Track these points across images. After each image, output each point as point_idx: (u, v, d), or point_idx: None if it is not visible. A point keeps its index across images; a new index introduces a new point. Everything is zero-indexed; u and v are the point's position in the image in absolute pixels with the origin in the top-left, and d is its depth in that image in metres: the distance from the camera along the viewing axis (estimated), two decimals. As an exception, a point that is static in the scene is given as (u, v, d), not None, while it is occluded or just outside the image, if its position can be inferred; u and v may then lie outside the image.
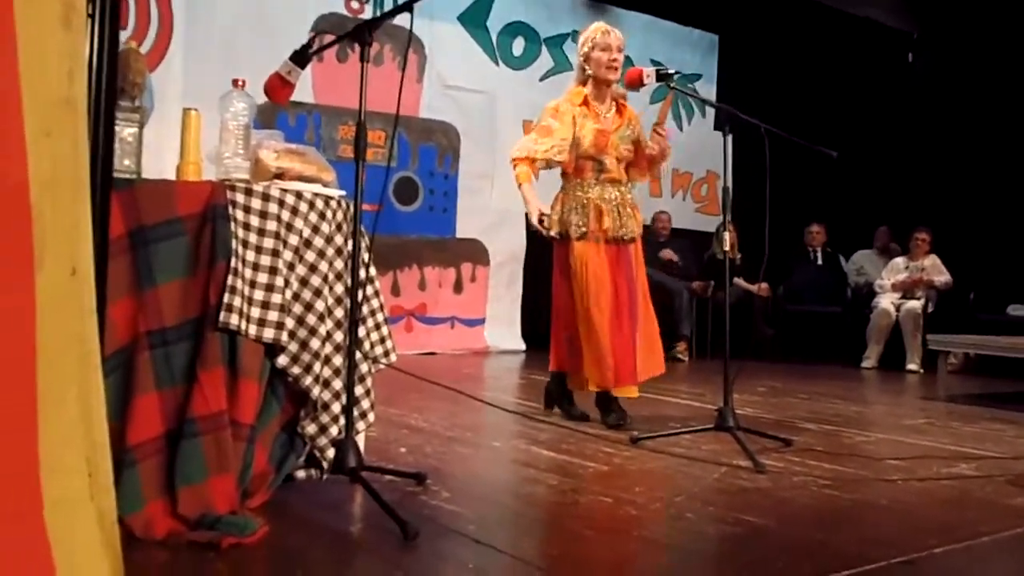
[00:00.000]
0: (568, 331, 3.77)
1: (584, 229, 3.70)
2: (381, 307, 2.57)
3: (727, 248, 3.42)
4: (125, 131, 2.15)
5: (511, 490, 2.62)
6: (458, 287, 7.22)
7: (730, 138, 3.48)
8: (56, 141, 1.19)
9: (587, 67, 3.78)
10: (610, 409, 3.74)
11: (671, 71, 3.48)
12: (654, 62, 7.41)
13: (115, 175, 1.91)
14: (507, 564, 1.93)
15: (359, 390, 2.39)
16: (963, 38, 8.02)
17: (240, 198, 2.12)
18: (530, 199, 3.74)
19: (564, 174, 3.83)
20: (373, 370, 2.51)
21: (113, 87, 1.52)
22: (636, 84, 3.52)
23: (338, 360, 2.31)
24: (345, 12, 6.57)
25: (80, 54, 1.29)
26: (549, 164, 3.76)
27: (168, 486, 1.97)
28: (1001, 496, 2.69)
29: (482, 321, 7.32)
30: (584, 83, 3.82)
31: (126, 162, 2.15)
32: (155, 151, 2.54)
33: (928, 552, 2.07)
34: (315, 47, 2.48)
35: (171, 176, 2.31)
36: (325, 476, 2.35)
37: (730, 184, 3.51)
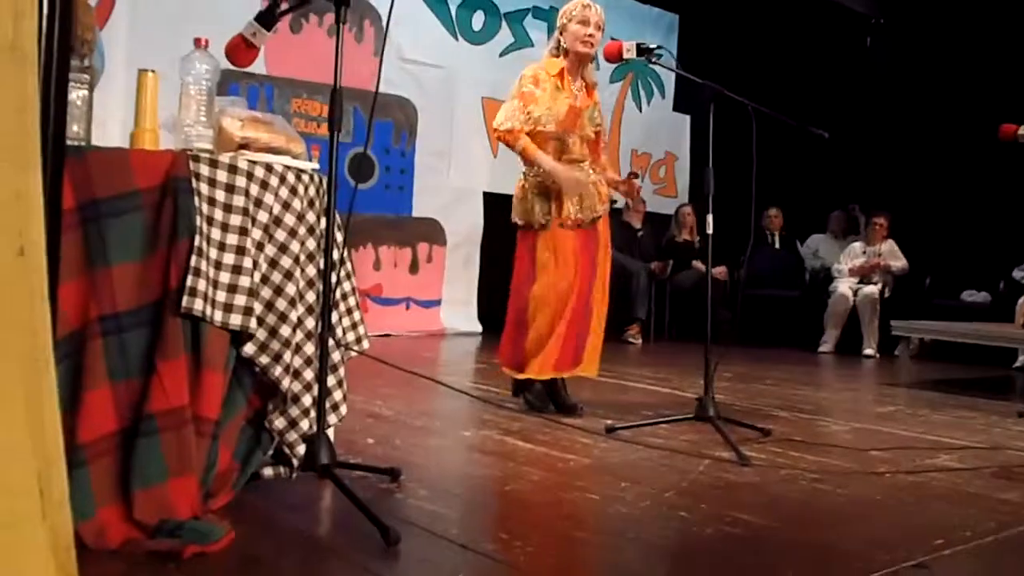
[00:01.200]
0: (525, 316, 3.60)
1: (549, 217, 3.55)
2: (353, 290, 2.38)
3: (710, 231, 3.27)
4: (73, 93, 1.93)
5: (492, 487, 2.47)
6: (414, 267, 7.02)
7: (712, 117, 3.29)
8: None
9: (562, 39, 3.60)
10: (536, 390, 3.62)
11: (652, 45, 3.33)
12: (613, 40, 7.26)
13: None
14: (500, 574, 1.78)
15: (331, 380, 2.20)
16: (921, 23, 8.02)
17: (204, 170, 1.91)
18: (556, 167, 3.51)
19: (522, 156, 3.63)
20: (345, 358, 2.33)
21: (68, 37, 1.31)
22: (616, 58, 3.37)
23: (309, 348, 2.12)
24: (300, -21, 6.28)
25: (29, -7, 1.09)
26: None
27: (123, 489, 1.78)
28: (992, 490, 2.61)
29: (438, 302, 7.14)
30: (557, 56, 3.64)
31: (74, 128, 1.93)
32: (98, 121, 2.32)
33: (936, 554, 1.97)
34: (284, 6, 2.28)
35: (119, 145, 2.09)
36: (295, 474, 2.17)
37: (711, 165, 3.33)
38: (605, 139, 3.86)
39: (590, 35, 3.57)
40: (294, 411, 2.12)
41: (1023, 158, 4.79)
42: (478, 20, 7.37)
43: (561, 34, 3.61)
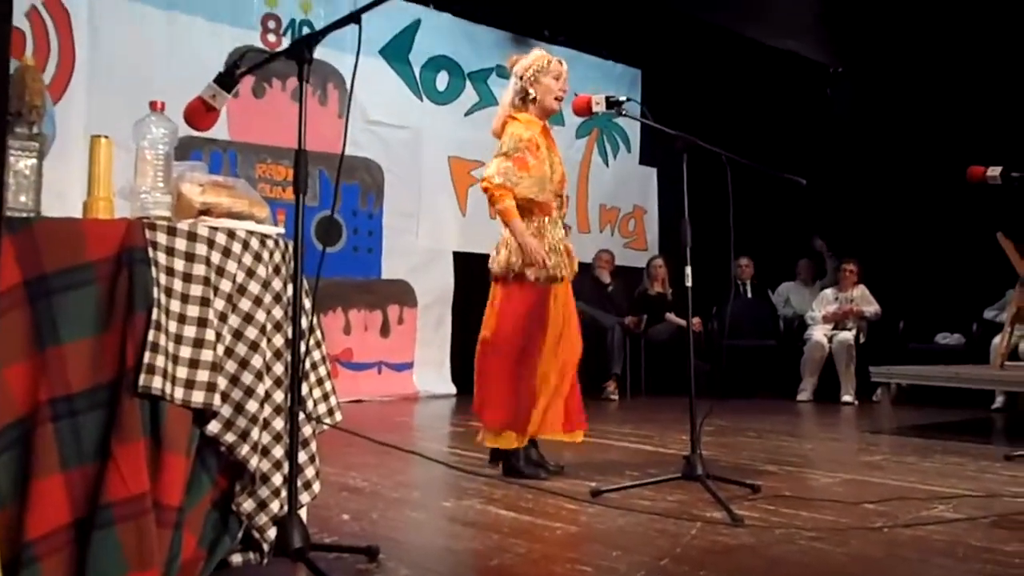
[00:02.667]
0: (523, 378, 3.45)
1: (565, 272, 3.48)
2: (323, 359, 2.26)
3: (689, 283, 3.19)
4: (21, 162, 1.82)
5: (477, 563, 2.32)
6: (385, 330, 6.89)
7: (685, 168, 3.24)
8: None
9: (532, 91, 3.50)
10: (521, 455, 3.47)
11: (622, 98, 3.28)
12: (576, 95, 7.29)
13: (8, 214, 1.59)
14: (491, 661, 1.65)
15: (302, 457, 2.07)
16: (880, 70, 8.14)
17: (162, 238, 1.80)
18: (528, 239, 3.39)
19: (523, 212, 3.46)
20: (317, 432, 2.20)
21: (4, 101, 1.21)
22: (585, 112, 3.32)
23: (278, 424, 1.99)
24: (261, 45, 6.25)
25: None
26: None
27: (78, 587, 1.63)
28: (995, 542, 2.52)
29: (410, 365, 7.00)
30: (524, 108, 3.55)
31: (22, 199, 1.82)
32: (56, 191, 2.21)
33: (950, 616, 1.87)
34: (243, 68, 2.19)
35: (77, 215, 1.98)
36: (266, 559, 2.02)
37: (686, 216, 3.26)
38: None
39: (563, 89, 3.53)
40: (264, 492, 1.98)
41: (991, 199, 4.82)
42: (442, 80, 7.36)
43: (531, 85, 3.51)
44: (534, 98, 3.51)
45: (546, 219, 3.50)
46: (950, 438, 4.85)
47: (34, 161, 1.86)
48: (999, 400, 6.45)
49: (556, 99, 3.52)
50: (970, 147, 5.79)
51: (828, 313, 7.34)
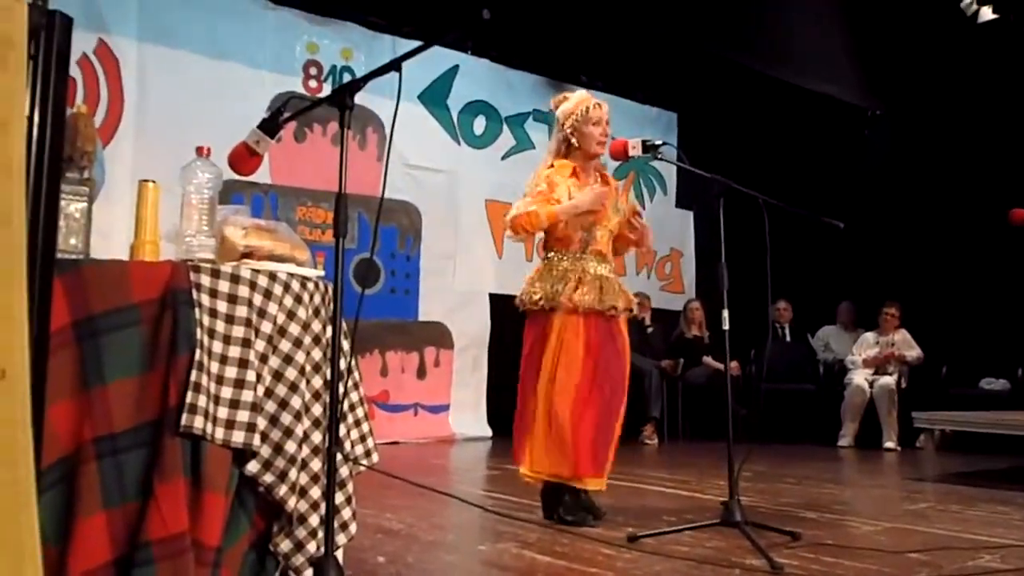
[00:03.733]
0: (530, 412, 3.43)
1: (566, 301, 3.38)
2: (361, 400, 2.28)
3: (726, 327, 3.18)
4: (72, 206, 1.88)
5: (511, 607, 2.31)
6: (421, 372, 6.91)
7: (722, 212, 3.24)
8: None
9: (573, 139, 3.53)
10: (566, 502, 3.38)
11: (658, 142, 3.30)
12: (613, 139, 7.34)
13: (59, 256, 1.64)
14: None
15: (339, 498, 2.08)
16: (919, 112, 8.10)
17: (205, 281, 1.84)
18: (577, 198, 3.40)
19: (547, 245, 3.57)
20: (354, 473, 2.21)
21: (59, 147, 1.25)
22: (622, 156, 3.34)
23: (316, 464, 2.00)
24: (303, 90, 6.38)
25: (17, 101, 1.03)
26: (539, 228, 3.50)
27: (117, 626, 1.65)
28: (1044, 594, 2.45)
29: (447, 407, 7.00)
30: (564, 155, 3.59)
31: (72, 241, 1.87)
32: (104, 233, 2.27)
33: (999, 671, 1.82)
34: (286, 114, 2.25)
35: (121, 256, 2.03)
36: (302, 601, 2.02)
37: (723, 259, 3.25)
38: (640, 211, 3.75)
39: (604, 134, 3.54)
40: (300, 532, 1.99)
41: (1035, 243, 4.76)
42: (479, 125, 7.45)
43: (573, 134, 3.54)
44: (575, 147, 3.55)
45: (564, 251, 3.49)
46: (996, 486, 4.74)
47: (84, 205, 1.92)
48: (1047, 447, 6.29)
49: (599, 143, 3.53)
50: (1012, 189, 5.72)
51: (869, 357, 7.25)
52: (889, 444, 6.80)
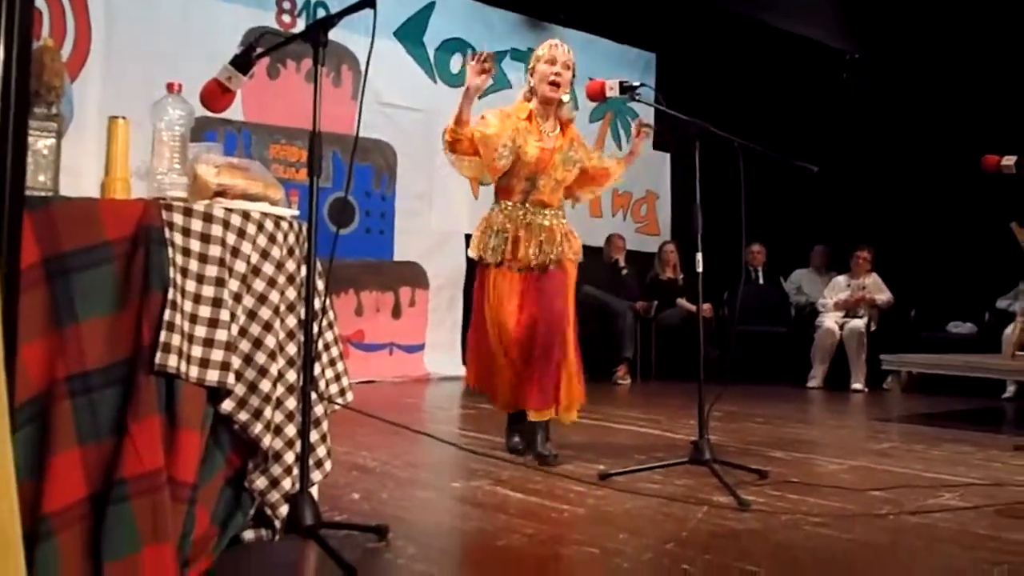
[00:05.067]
0: (480, 350, 3.59)
1: (499, 257, 3.48)
2: (336, 340, 2.29)
3: (699, 269, 3.21)
4: (40, 142, 1.85)
5: (485, 543, 2.35)
6: (396, 312, 6.92)
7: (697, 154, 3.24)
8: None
9: (531, 80, 3.56)
10: (534, 439, 3.47)
11: (635, 83, 3.28)
12: (591, 80, 7.28)
13: (27, 193, 1.62)
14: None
15: (314, 436, 2.10)
16: (897, 57, 8.08)
17: (178, 219, 1.83)
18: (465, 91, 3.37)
19: (495, 196, 3.61)
20: (329, 412, 2.23)
21: (26, 84, 1.23)
22: (599, 96, 3.33)
23: (291, 403, 2.02)
24: (276, 25, 6.26)
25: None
26: (477, 173, 3.51)
27: (93, 561, 1.66)
28: (1000, 530, 2.53)
29: (422, 347, 7.03)
30: (529, 99, 3.59)
31: (40, 178, 1.85)
32: (72, 171, 2.23)
33: (953, 603, 1.89)
34: (259, 50, 2.21)
35: (93, 195, 2.00)
36: (278, 536, 2.06)
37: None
38: (598, 157, 3.79)
39: (557, 73, 3.48)
40: (276, 470, 2.02)
41: (1005, 188, 4.80)
42: (456, 63, 7.35)
43: (531, 75, 3.57)
44: (533, 87, 3.56)
45: (505, 202, 3.53)
46: (959, 427, 4.85)
47: (52, 141, 1.89)
48: (1010, 390, 6.44)
49: (550, 84, 3.48)
50: (986, 135, 5.76)
51: (840, 300, 7.33)
52: (857, 385, 6.92)
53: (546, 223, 3.52)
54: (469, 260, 6.96)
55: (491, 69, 3.35)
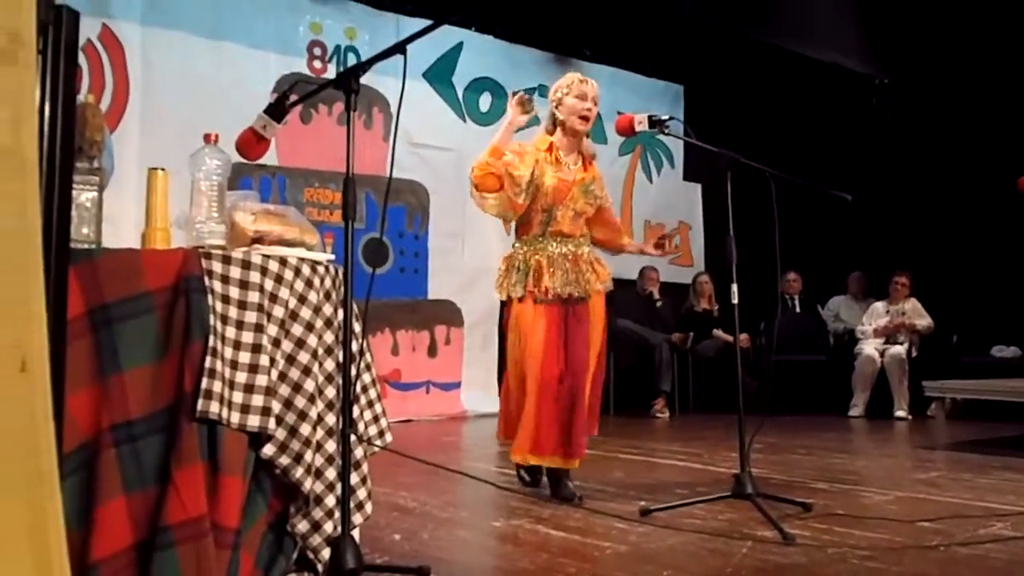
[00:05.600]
0: (509, 397, 3.54)
1: (522, 292, 3.44)
2: (374, 382, 2.30)
3: (735, 300, 3.19)
4: (83, 196, 1.89)
5: (527, 582, 2.34)
6: (432, 350, 6.94)
7: (729, 185, 3.24)
8: (-1, 204, 0.95)
9: (558, 113, 3.55)
10: (559, 482, 3.43)
11: (664, 117, 3.29)
12: (619, 114, 7.31)
13: (72, 245, 1.65)
14: None
15: (354, 478, 2.11)
16: (926, 81, 8.04)
17: (217, 267, 1.86)
18: (503, 125, 3.45)
19: (517, 231, 3.58)
20: (368, 454, 2.23)
21: (70, 140, 1.27)
22: (628, 131, 3.34)
23: (331, 446, 2.03)
24: (307, 71, 6.37)
25: (28, 97, 1.04)
26: (501, 211, 3.47)
27: (141, 608, 1.68)
28: (1055, 560, 2.47)
29: (458, 385, 7.03)
30: (552, 132, 3.60)
31: (84, 230, 1.89)
32: (114, 220, 2.28)
33: (1010, 637, 1.84)
34: (293, 98, 2.25)
35: (131, 246, 2.04)
36: (320, 580, 2.06)
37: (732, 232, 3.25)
38: (610, 210, 3.80)
39: (587, 109, 3.49)
40: (317, 513, 2.02)
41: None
42: (485, 102, 7.43)
43: (557, 108, 3.56)
44: (561, 120, 3.55)
45: (525, 236, 3.53)
46: (1007, 454, 4.75)
47: (94, 194, 1.93)
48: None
49: (580, 118, 3.49)
50: (1020, 157, 5.69)
51: (879, 327, 7.25)
52: (900, 413, 6.81)
53: (568, 252, 3.48)
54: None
55: (532, 110, 3.38)
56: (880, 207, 7.89)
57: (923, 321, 7.18)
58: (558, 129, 3.58)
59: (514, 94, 3.39)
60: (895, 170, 8.16)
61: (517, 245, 3.56)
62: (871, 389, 7.10)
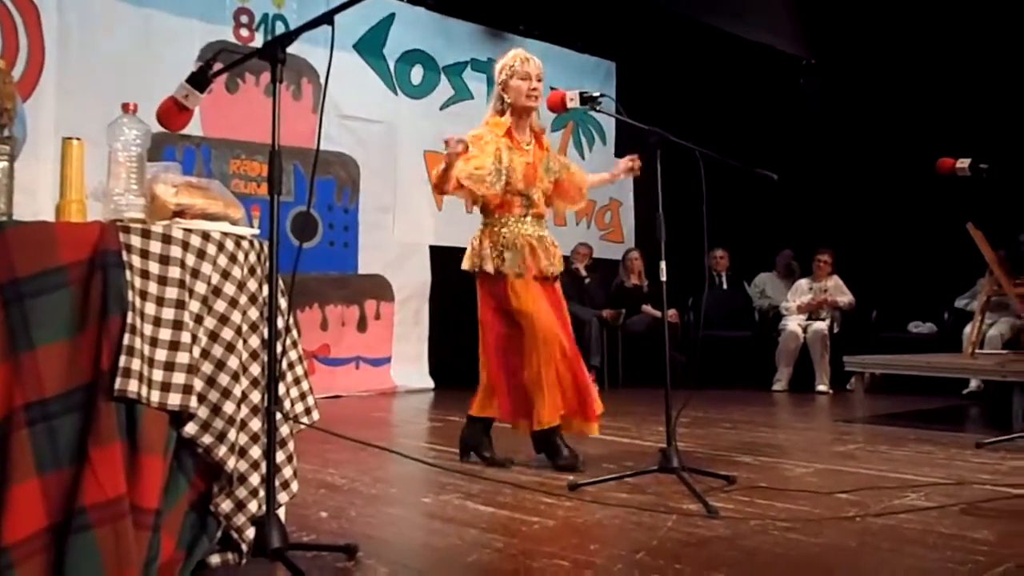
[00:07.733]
0: (517, 377, 3.55)
1: (521, 269, 3.52)
2: (300, 359, 2.27)
3: (663, 278, 3.22)
4: (-8, 165, 1.81)
5: (455, 558, 2.33)
6: (362, 325, 6.88)
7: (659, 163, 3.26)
8: None
9: (506, 96, 3.58)
10: (559, 449, 3.53)
11: (596, 94, 3.29)
12: (552, 89, 7.30)
13: (-20, 218, 1.59)
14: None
15: (280, 457, 2.08)
16: (852, 62, 8.21)
17: (136, 241, 1.80)
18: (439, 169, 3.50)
19: (485, 210, 3.63)
20: (294, 431, 2.20)
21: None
22: (559, 108, 3.34)
23: (256, 424, 2.00)
24: (234, 40, 6.21)
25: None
26: (474, 197, 3.54)
27: (56, 592, 1.63)
28: (964, 529, 2.57)
29: (388, 360, 6.99)
30: (502, 113, 3.62)
31: (-7, 202, 1.81)
32: (29, 191, 2.20)
33: (921, 604, 1.90)
34: (217, 67, 2.19)
35: (48, 218, 1.97)
36: (244, 559, 2.03)
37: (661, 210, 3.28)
38: (578, 171, 3.98)
39: (534, 88, 3.57)
40: (241, 492, 1.99)
41: (961, 190, 4.88)
42: (417, 74, 7.35)
43: (504, 90, 3.59)
44: (509, 103, 3.58)
45: (507, 216, 3.57)
46: (922, 426, 4.92)
47: (5, 164, 1.86)
48: (974, 384, 6.50)
49: (528, 97, 3.56)
50: (940, 139, 5.85)
51: (802, 303, 7.41)
52: (821, 387, 6.99)
53: (544, 234, 3.65)
54: (434, 272, 7.05)
55: (466, 149, 3.42)
56: (806, 186, 8.04)
57: (844, 298, 7.36)
58: (507, 110, 3.61)
59: (446, 143, 3.39)
60: (821, 150, 8.34)
61: (498, 224, 3.57)
62: (794, 364, 7.27)
